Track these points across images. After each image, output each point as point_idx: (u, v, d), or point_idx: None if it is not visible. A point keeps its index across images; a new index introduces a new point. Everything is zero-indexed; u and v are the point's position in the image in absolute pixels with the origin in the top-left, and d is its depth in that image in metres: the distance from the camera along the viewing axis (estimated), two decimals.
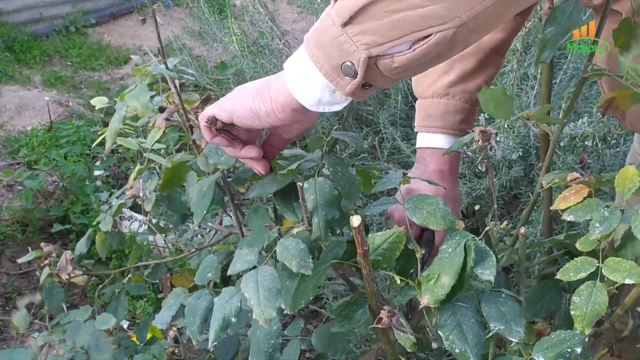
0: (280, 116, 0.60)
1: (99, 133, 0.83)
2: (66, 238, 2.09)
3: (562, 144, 1.71)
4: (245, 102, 0.62)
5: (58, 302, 0.90)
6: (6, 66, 3.31)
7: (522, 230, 0.69)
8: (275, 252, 0.64)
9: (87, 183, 2.09)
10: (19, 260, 0.94)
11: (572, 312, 0.59)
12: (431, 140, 0.92)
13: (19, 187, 2.24)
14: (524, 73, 1.90)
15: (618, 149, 1.64)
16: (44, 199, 2.10)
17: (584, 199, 0.62)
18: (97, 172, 2.19)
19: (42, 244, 0.91)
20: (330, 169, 0.67)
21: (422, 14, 0.48)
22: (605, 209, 0.60)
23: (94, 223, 0.87)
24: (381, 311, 0.63)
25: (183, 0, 3.92)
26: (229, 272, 0.66)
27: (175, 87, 0.74)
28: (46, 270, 0.87)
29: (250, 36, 2.42)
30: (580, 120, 1.62)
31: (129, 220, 2.06)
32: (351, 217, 0.60)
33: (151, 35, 3.99)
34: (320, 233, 0.66)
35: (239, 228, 0.81)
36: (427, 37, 0.49)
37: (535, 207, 0.85)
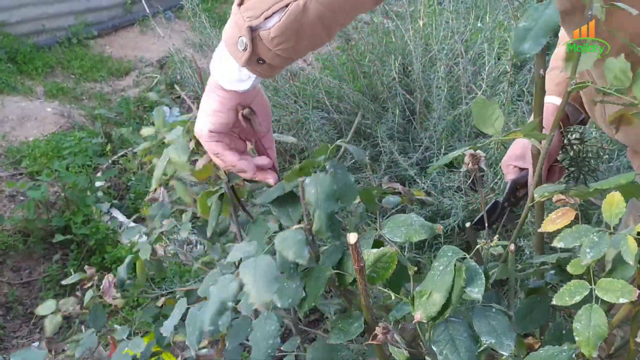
0: (220, 102, 0.69)
1: (104, 145, 0.86)
2: (67, 248, 2.11)
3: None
4: (203, 107, 0.71)
5: (102, 323, 0.95)
6: (8, 77, 3.34)
7: (512, 247, 0.72)
8: (273, 243, 0.67)
9: (89, 194, 2.12)
10: (64, 282, 0.99)
11: (576, 339, 0.59)
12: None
13: (21, 198, 2.26)
14: (520, 89, 1.94)
15: (611, 164, 1.67)
16: (46, 209, 2.12)
17: (572, 222, 0.65)
18: (98, 183, 2.21)
19: (85, 267, 0.97)
20: (331, 170, 0.71)
21: None
22: (594, 234, 0.62)
23: (134, 250, 0.92)
24: (376, 328, 0.66)
25: (184, 14, 3.96)
26: (227, 259, 0.69)
27: None
28: (90, 293, 0.94)
29: None
30: (573, 134, 1.66)
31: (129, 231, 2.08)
32: (348, 234, 0.63)
33: (152, 47, 4.02)
34: (321, 225, 0.68)
35: (239, 237, 0.84)
36: (286, 6, 0.59)
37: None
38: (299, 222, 0.71)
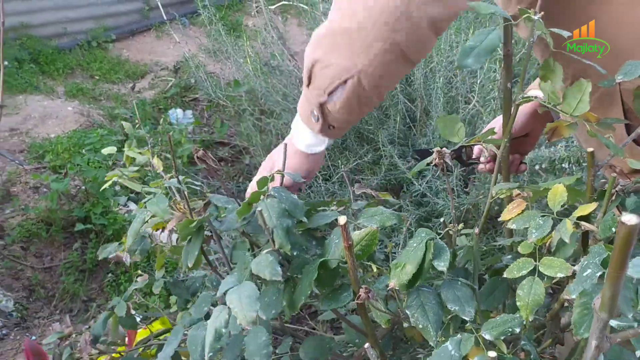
0: (294, 163, 0.88)
1: (106, 177, 0.99)
2: (86, 237, 2.26)
3: (543, 166, 1.88)
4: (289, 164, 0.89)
5: None
6: (31, 77, 3.51)
7: (477, 230, 0.85)
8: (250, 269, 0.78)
9: (108, 187, 2.26)
10: (44, 341, 1.03)
11: (517, 303, 0.73)
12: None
13: (44, 190, 2.41)
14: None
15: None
16: (67, 201, 2.27)
17: (523, 210, 0.79)
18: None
19: (60, 325, 1.05)
20: (276, 194, 0.81)
21: (337, 68, 0.74)
22: (540, 218, 0.75)
23: (109, 306, 1.00)
24: (360, 289, 0.79)
25: (199, 20, 4.12)
26: (217, 294, 0.78)
27: (184, 197, 0.86)
28: (67, 350, 1.01)
29: (262, 56, 2.60)
30: (559, 144, 1.79)
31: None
32: (339, 217, 0.76)
33: (167, 52, 4.19)
34: (281, 240, 0.79)
35: (227, 263, 0.94)
36: (345, 82, 0.74)
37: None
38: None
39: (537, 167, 1.79)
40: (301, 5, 3.34)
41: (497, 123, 1.05)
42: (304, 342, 0.98)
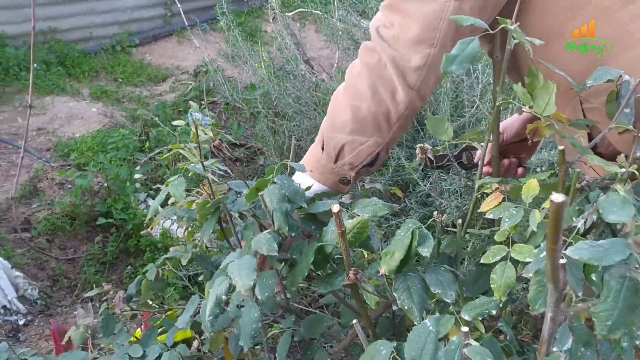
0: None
1: (170, 146, 1.10)
2: (107, 231, 2.38)
3: (544, 169, 1.94)
4: None
5: (111, 331, 1.12)
6: (58, 79, 3.68)
7: (460, 221, 0.93)
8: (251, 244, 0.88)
9: (128, 184, 2.39)
10: (88, 294, 1.16)
11: (492, 286, 0.81)
12: None
13: (69, 186, 2.55)
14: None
15: None
16: (90, 197, 2.39)
17: (500, 202, 0.86)
18: (136, 176, 2.48)
19: (103, 284, 1.16)
20: (278, 181, 0.90)
21: (369, 147, 0.91)
22: (513, 209, 0.83)
23: (143, 271, 1.10)
24: (350, 271, 0.88)
25: (219, 26, 4.26)
26: (221, 266, 0.89)
27: (208, 181, 0.97)
28: (104, 305, 1.12)
29: (278, 62, 2.70)
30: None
31: (162, 219, 2.34)
32: (332, 205, 0.85)
33: (188, 56, 4.33)
34: (280, 222, 0.87)
35: (237, 242, 1.04)
36: (378, 155, 0.93)
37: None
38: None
39: (538, 169, 1.85)
40: (317, 12, 3.44)
41: (501, 125, 1.12)
42: (305, 320, 1.07)
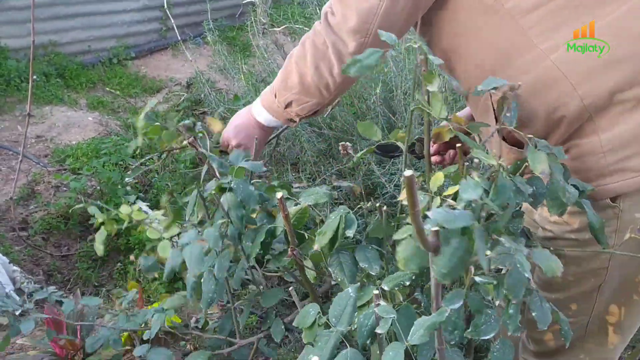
0: (254, 131, 1.24)
1: (134, 149, 1.27)
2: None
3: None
4: (238, 132, 1.27)
5: None
6: (57, 90, 3.87)
7: (384, 207, 1.11)
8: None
9: (119, 187, 2.57)
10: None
11: (397, 258, 0.97)
12: None
13: (64, 189, 2.73)
14: None
15: None
16: (84, 198, 2.57)
17: None
18: (127, 179, 2.66)
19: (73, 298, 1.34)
20: (234, 186, 1.05)
21: (311, 105, 1.15)
22: (422, 196, 1.00)
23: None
24: (288, 250, 1.05)
25: (211, 40, 4.47)
26: (179, 242, 1.08)
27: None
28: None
29: (261, 74, 2.90)
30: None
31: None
32: (277, 193, 1.03)
33: (182, 69, 4.52)
34: (236, 224, 1.04)
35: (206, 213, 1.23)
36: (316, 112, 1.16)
37: None
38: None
39: None
40: (305, 28, 3.65)
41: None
42: (264, 293, 1.25)
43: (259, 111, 1.23)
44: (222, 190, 1.06)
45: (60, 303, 1.32)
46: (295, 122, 1.22)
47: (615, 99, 0.91)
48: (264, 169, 1.19)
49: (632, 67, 0.91)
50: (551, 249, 0.91)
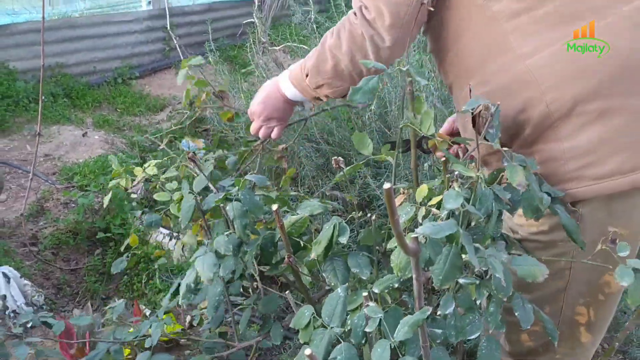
0: (281, 104, 1.32)
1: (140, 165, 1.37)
2: (106, 245, 2.64)
3: None
4: (266, 105, 1.34)
5: None
6: (64, 110, 3.98)
7: (374, 217, 1.19)
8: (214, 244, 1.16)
9: (126, 203, 2.66)
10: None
11: (391, 264, 1.06)
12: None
13: (72, 205, 2.82)
14: None
15: None
16: (91, 214, 2.67)
17: (402, 202, 1.13)
18: (133, 195, 2.76)
19: (81, 311, 1.42)
20: (241, 196, 1.16)
21: (343, 89, 1.20)
22: (409, 207, 1.09)
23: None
24: (285, 257, 1.14)
25: (212, 60, 4.59)
26: (191, 259, 1.18)
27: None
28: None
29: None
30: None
31: (155, 233, 2.61)
32: (272, 205, 1.12)
33: (185, 87, 4.64)
34: (240, 232, 1.14)
35: (207, 235, 1.33)
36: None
37: None
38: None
39: None
40: (303, 46, 3.76)
41: (450, 119, 1.38)
42: (262, 299, 1.33)
43: (287, 86, 1.28)
44: (227, 200, 1.16)
45: (49, 325, 1.37)
46: (322, 100, 1.27)
47: (578, 108, 0.96)
48: (267, 182, 1.29)
49: (598, 79, 0.95)
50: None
